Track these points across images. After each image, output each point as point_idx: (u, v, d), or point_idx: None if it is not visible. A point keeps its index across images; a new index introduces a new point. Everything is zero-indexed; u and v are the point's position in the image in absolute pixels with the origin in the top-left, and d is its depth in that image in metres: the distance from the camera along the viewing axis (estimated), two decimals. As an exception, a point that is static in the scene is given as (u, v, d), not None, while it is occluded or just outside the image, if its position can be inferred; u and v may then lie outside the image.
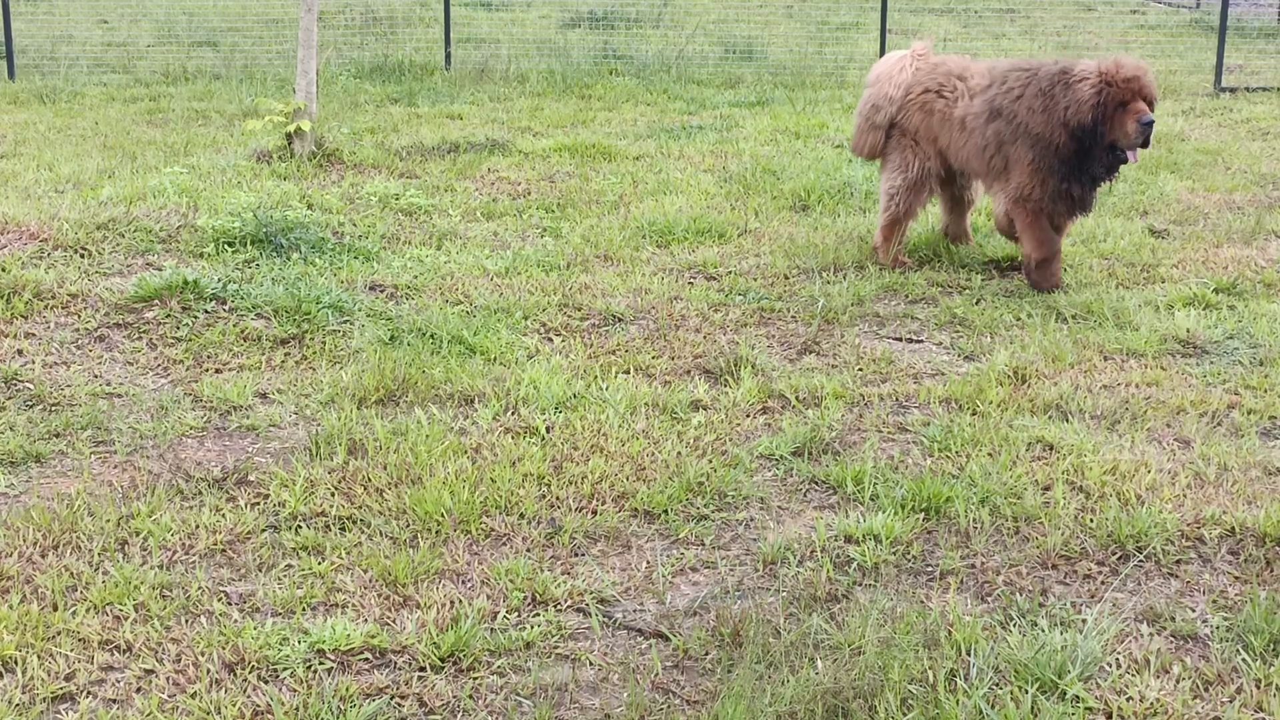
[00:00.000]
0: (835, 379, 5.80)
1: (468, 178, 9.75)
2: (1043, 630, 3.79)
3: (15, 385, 5.66)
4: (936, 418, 5.41)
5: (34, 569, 4.13)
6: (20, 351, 6.02)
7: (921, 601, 4.01)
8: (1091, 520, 4.50)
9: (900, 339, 6.44)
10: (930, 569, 4.24)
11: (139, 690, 3.55)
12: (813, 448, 5.12)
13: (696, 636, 3.83)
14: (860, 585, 4.12)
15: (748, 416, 5.44)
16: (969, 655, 3.68)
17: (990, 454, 5.02)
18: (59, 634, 3.78)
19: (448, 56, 15.75)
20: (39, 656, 3.67)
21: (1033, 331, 6.42)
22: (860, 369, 5.99)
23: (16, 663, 3.63)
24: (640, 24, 19.32)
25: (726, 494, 4.74)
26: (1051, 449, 5.09)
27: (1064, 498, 4.65)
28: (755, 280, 7.28)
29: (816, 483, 4.87)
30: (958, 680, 3.56)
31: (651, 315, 6.67)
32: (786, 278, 7.33)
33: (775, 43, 17.85)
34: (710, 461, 4.97)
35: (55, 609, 3.90)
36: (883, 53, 15.80)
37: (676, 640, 3.82)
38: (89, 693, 3.54)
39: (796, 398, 5.59)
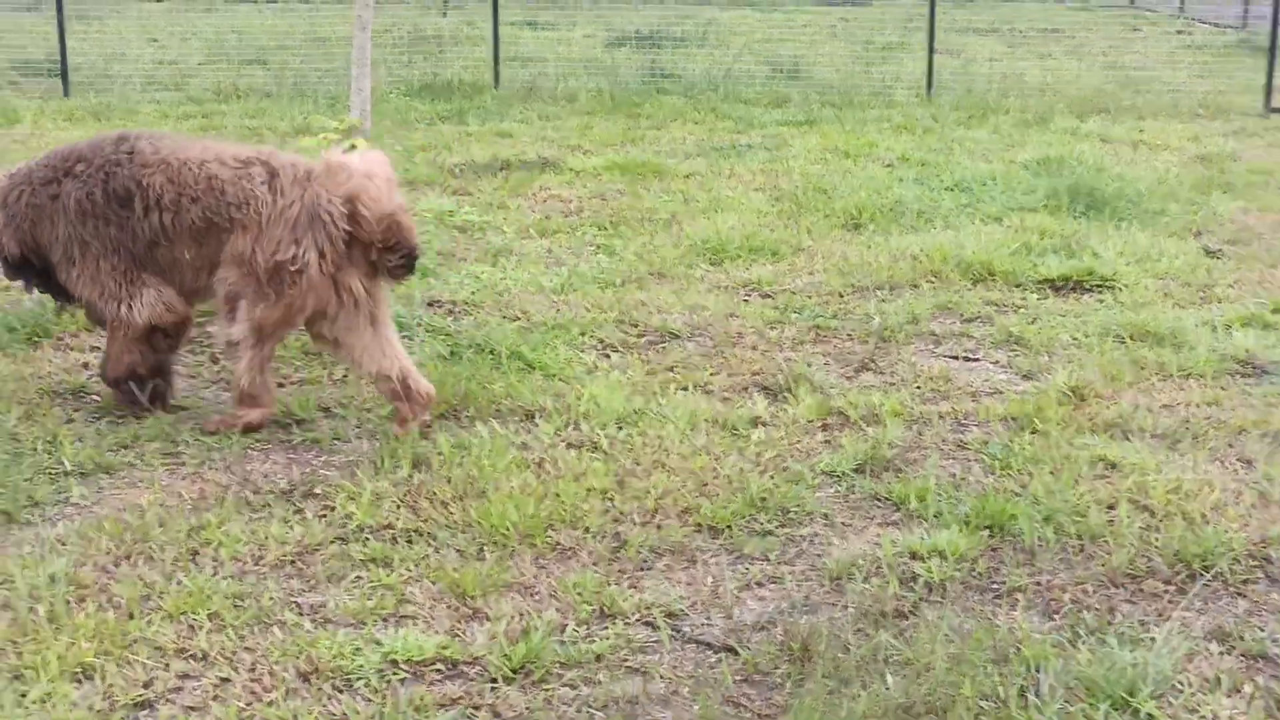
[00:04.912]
0: (894, 396, 5.81)
1: (520, 195, 9.82)
2: (1112, 648, 3.79)
3: (83, 397, 5.73)
4: (997, 436, 5.41)
5: (109, 578, 4.18)
6: (86, 365, 6.10)
7: (989, 618, 4.02)
8: (1157, 539, 4.49)
9: (957, 357, 6.45)
10: (996, 586, 4.25)
11: (216, 698, 3.60)
12: (874, 464, 5.13)
13: (765, 651, 3.85)
14: (927, 601, 4.13)
15: (807, 433, 5.46)
16: (1039, 672, 3.69)
17: (1052, 472, 5.02)
18: (136, 642, 3.82)
19: (496, 75, 15.85)
20: (117, 664, 3.71)
21: (1090, 351, 6.41)
22: (918, 387, 6.00)
23: (96, 670, 3.68)
24: (686, 43, 19.39)
25: (789, 510, 4.76)
26: (1114, 468, 5.09)
27: (1128, 517, 4.65)
28: (810, 298, 7.30)
29: (879, 499, 4.89)
30: (1029, 696, 3.57)
31: (708, 332, 6.70)
32: (841, 296, 7.35)
33: (821, 62, 17.89)
34: (772, 477, 4.99)
35: (131, 618, 3.95)
36: (930, 74, 15.83)
37: (745, 654, 3.84)
38: (167, 700, 3.59)
39: (856, 415, 5.60)
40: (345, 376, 6.01)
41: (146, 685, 3.64)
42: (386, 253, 5.23)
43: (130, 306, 5.40)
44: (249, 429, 5.38)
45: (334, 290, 5.25)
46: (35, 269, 5.60)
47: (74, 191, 5.38)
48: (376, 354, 5.39)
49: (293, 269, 5.16)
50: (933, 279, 7.63)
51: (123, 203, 5.33)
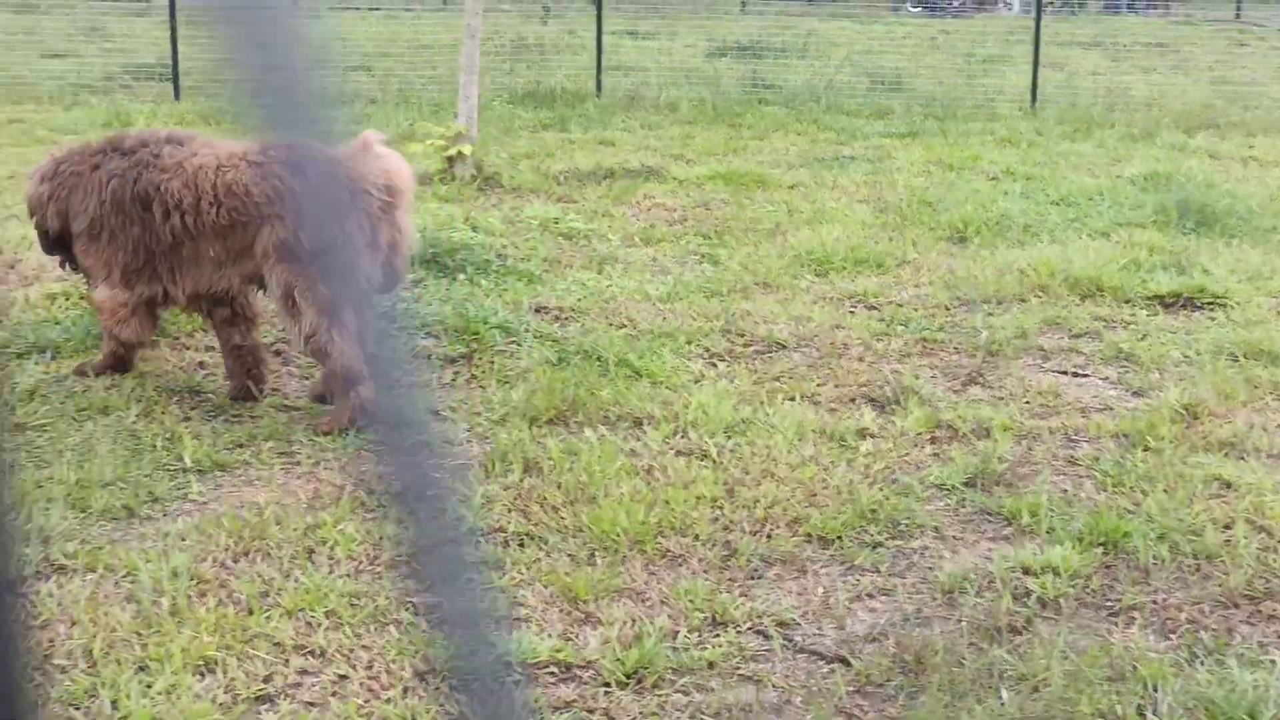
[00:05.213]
0: (1003, 411, 5.78)
1: (624, 203, 9.86)
2: (1231, 669, 3.75)
3: (199, 396, 5.84)
4: (1108, 452, 5.36)
5: (229, 574, 4.26)
6: (202, 364, 6.21)
7: (1104, 636, 3.99)
8: (1275, 560, 4.43)
9: (1066, 372, 6.39)
10: (1110, 604, 4.21)
11: (335, 695, 3.65)
12: (984, 479, 5.10)
13: (878, 663, 3.84)
14: (1041, 617, 4.11)
15: (916, 446, 5.44)
16: (1156, 691, 3.65)
17: (1166, 490, 4.97)
18: (256, 637, 3.89)
19: (599, 83, 15.93)
20: (238, 658, 3.78)
21: (1202, 368, 6.33)
22: (1027, 401, 5.95)
23: (217, 664, 3.75)
24: (786, 54, 19.37)
25: (899, 522, 4.75)
26: (1229, 487, 5.02)
27: (1245, 537, 4.59)
28: (916, 310, 7.27)
29: (989, 514, 4.86)
30: (1147, 715, 3.54)
31: (814, 343, 6.69)
32: (947, 309, 7.32)
33: (923, 74, 17.81)
34: (881, 489, 4.98)
35: (251, 613, 4.02)
36: (1035, 87, 15.70)
37: (858, 665, 3.84)
38: (287, 695, 3.64)
39: (965, 428, 5.57)
40: (454, 380, 6.07)
41: (266, 680, 3.71)
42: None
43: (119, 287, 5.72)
44: (364, 412, 5.38)
45: (372, 260, 5.38)
46: (68, 246, 5.89)
47: (114, 173, 5.63)
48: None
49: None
50: (1040, 293, 7.57)
51: (145, 205, 5.57)
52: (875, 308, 7.35)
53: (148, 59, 17.37)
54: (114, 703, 3.55)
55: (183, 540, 4.48)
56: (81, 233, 5.73)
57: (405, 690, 3.66)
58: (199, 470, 5.08)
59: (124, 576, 4.23)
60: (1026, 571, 4.39)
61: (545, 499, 4.84)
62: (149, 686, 3.63)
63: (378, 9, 25.34)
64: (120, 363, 5.94)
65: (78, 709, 3.55)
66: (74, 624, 3.93)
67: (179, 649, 3.78)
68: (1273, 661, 3.80)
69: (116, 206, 5.62)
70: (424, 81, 16.37)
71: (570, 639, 3.95)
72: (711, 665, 3.84)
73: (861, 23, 26.05)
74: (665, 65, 18.11)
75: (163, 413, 5.58)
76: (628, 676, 3.76)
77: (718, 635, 4.00)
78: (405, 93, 15.60)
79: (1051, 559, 4.41)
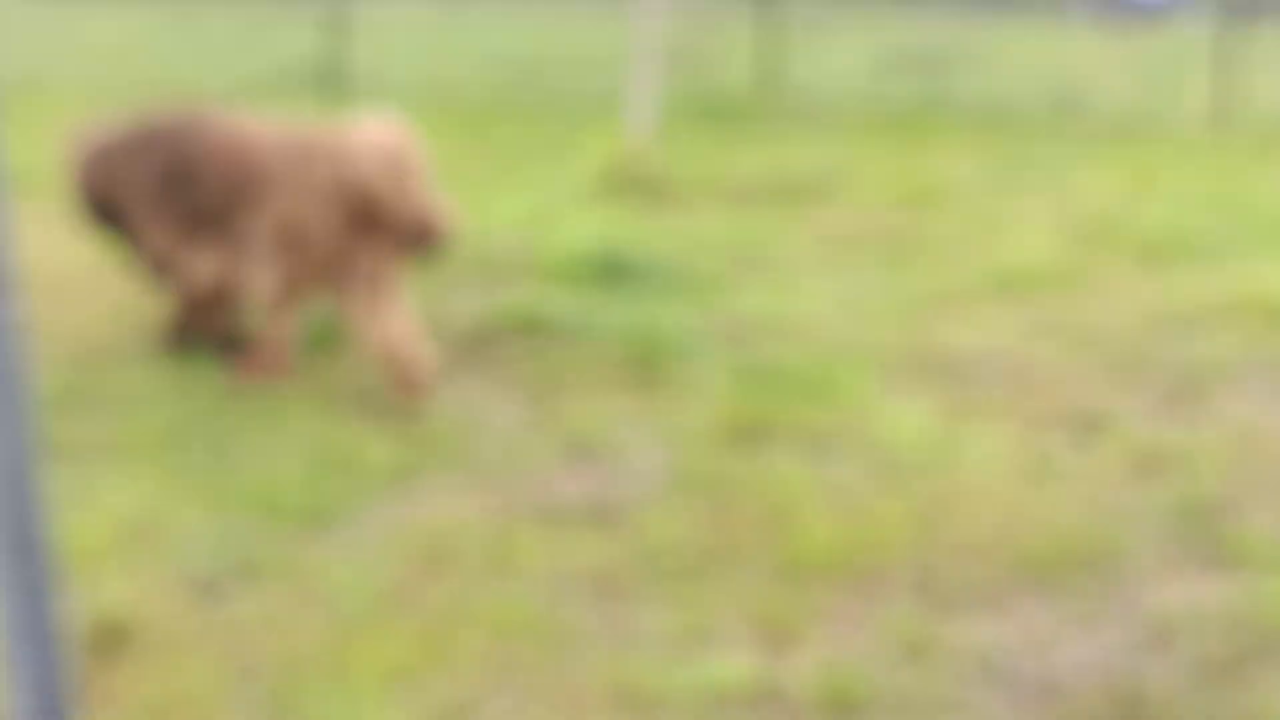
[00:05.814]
0: (1205, 438, 5.55)
1: (798, 217, 9.73)
2: None
3: (383, 403, 5.84)
4: (1321, 484, 5.12)
5: (419, 584, 4.23)
6: (385, 371, 6.24)
7: (1330, 678, 3.78)
8: None
9: (1271, 399, 6.13)
10: (1334, 644, 4.00)
11: (530, 710, 3.59)
12: (1193, 508, 4.89)
13: (1088, 697, 3.67)
14: (1261, 655, 3.90)
15: (1118, 472, 5.24)
16: (1393, 740, 3.45)
17: (1387, 525, 4.72)
18: (449, 649, 3.85)
19: (766, 95, 15.82)
20: (432, 670, 3.74)
21: None
22: (1231, 429, 5.71)
23: (412, 675, 3.71)
24: (964, 65, 19.08)
25: (1104, 550, 4.56)
26: None
27: None
28: (1111, 333, 7.04)
29: (1201, 544, 4.65)
30: (1385, 766, 3.34)
31: (1004, 364, 6.51)
32: (1143, 332, 7.07)
33: (1105, 88, 17.41)
34: (1083, 517, 4.80)
35: (443, 624, 3.98)
36: (1224, 103, 15.23)
37: (1067, 700, 3.68)
38: (483, 709, 3.59)
39: (1170, 456, 5.36)
40: (637, 393, 6.00)
41: (462, 692, 3.66)
42: (400, 231, 5.73)
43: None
44: (261, 369, 5.95)
45: (342, 258, 5.75)
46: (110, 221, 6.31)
47: (158, 154, 6.07)
48: (371, 322, 5.79)
49: (304, 237, 5.73)
50: (1239, 317, 7.28)
51: (189, 173, 6.01)
52: (1066, 329, 7.13)
53: (311, 62, 17.65)
54: (311, 710, 3.53)
55: (372, 549, 4.46)
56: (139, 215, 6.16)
57: (600, 708, 3.59)
58: (385, 479, 5.07)
59: (315, 583, 4.22)
60: (1243, 606, 4.18)
61: (734, 518, 4.74)
62: (345, 695, 3.60)
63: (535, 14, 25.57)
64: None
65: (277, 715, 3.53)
66: (268, 630, 3.92)
67: (373, 659, 3.75)
68: None
69: (162, 180, 6.05)
70: (589, 91, 16.38)
71: (767, 662, 3.85)
72: (912, 694, 3.70)
73: (1045, 39, 25.56)
74: (835, 75, 17.93)
75: (347, 420, 5.60)
76: (827, 702, 3.64)
77: (916, 664, 3.86)
78: (569, 103, 15.63)
79: (1269, 592, 4.20)
